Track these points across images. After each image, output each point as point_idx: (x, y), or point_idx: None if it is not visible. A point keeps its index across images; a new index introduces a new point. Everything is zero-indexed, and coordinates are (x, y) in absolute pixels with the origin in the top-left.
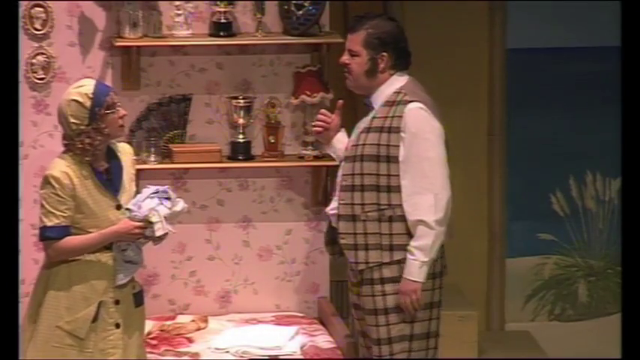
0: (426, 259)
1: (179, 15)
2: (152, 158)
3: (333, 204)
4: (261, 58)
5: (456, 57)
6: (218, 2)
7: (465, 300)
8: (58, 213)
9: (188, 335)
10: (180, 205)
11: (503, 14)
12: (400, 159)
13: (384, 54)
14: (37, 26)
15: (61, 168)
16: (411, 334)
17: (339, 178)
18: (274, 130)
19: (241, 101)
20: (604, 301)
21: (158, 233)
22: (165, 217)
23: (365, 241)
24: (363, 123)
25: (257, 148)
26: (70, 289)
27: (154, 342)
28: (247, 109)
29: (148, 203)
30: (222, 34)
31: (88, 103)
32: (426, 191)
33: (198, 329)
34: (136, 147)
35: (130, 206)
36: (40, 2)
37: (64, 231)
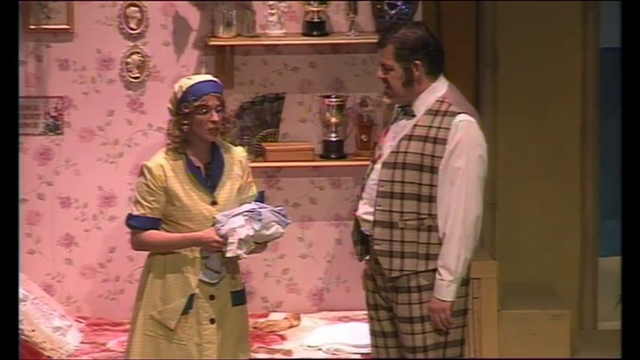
0: (452, 278)
1: (272, 14)
2: None
3: (365, 207)
4: (354, 57)
5: (549, 56)
6: (311, 2)
7: (558, 299)
8: (145, 203)
9: (281, 332)
10: (273, 229)
11: (596, 13)
12: (440, 168)
13: (417, 62)
14: (133, 25)
15: (157, 160)
16: (445, 341)
17: (372, 182)
18: (367, 129)
19: (334, 100)
20: None
21: (228, 254)
22: (241, 240)
23: (401, 248)
24: (403, 129)
25: (349, 147)
26: (165, 279)
27: None
28: (340, 108)
29: (234, 221)
30: (315, 33)
31: (179, 96)
32: (457, 205)
33: (291, 327)
34: None
35: (219, 217)
36: (136, 2)
37: (148, 223)
